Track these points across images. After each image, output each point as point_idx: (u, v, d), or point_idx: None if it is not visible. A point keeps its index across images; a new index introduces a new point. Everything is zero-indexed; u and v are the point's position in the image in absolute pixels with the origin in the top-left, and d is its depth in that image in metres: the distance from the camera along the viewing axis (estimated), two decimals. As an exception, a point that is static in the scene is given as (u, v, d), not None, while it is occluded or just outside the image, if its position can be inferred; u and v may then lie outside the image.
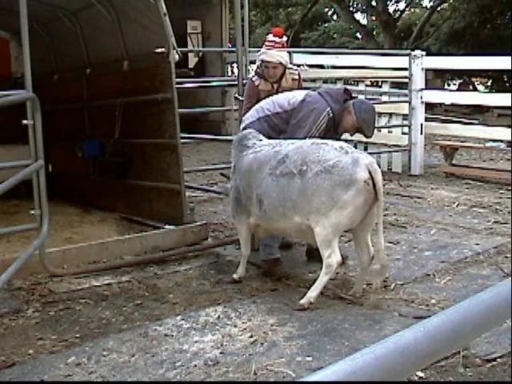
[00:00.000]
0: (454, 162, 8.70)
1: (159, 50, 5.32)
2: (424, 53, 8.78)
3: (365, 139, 5.11)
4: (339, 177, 3.67)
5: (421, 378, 2.87)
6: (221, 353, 3.14)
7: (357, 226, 3.84)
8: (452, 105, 15.26)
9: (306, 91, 4.48)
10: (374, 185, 3.67)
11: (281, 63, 4.66)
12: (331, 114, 4.25)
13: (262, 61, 4.69)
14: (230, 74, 13.90)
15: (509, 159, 9.10)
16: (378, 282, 3.91)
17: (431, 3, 23.98)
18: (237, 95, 5.44)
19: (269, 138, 4.28)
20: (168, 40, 5.21)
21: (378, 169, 3.74)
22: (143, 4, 5.31)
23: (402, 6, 26.56)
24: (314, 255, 4.47)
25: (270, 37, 4.74)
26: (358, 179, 3.65)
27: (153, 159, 5.75)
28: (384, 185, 7.53)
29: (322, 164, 3.72)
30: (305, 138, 4.10)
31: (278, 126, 4.35)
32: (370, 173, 3.67)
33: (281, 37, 4.73)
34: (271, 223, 4.06)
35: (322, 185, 3.70)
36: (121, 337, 3.36)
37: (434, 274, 4.37)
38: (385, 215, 6.05)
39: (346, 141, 4.36)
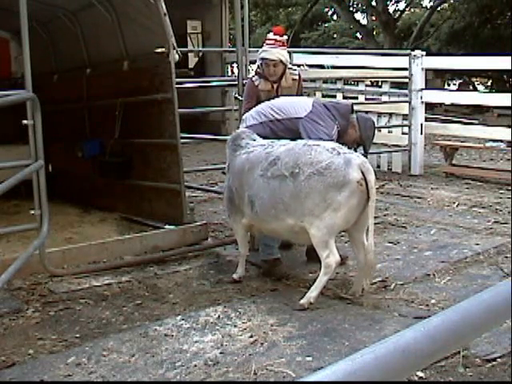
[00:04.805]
0: (454, 161, 8.70)
1: (159, 50, 5.32)
2: (424, 53, 8.78)
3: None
4: (332, 178, 3.66)
5: (421, 378, 2.87)
6: (221, 353, 3.14)
7: (352, 226, 3.83)
8: (452, 105, 15.26)
9: (311, 100, 4.49)
10: (367, 184, 3.66)
11: (281, 61, 4.66)
12: (338, 128, 4.31)
13: (263, 58, 4.69)
14: (230, 73, 13.91)
15: (509, 159, 9.10)
16: (367, 283, 3.87)
17: (431, 3, 23.98)
18: (237, 95, 5.44)
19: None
20: (168, 40, 5.21)
21: (370, 168, 3.73)
22: (143, 4, 5.31)
23: (402, 5, 26.62)
24: (314, 255, 4.45)
25: (271, 35, 4.74)
26: (351, 180, 3.65)
27: (153, 159, 5.75)
28: (384, 185, 7.65)
29: (314, 166, 3.70)
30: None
31: (279, 133, 4.35)
32: (362, 173, 3.66)
33: (281, 35, 4.72)
34: (263, 224, 4.06)
35: (315, 187, 3.68)
36: (121, 337, 3.36)
37: (434, 274, 4.37)
38: (385, 215, 6.07)
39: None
